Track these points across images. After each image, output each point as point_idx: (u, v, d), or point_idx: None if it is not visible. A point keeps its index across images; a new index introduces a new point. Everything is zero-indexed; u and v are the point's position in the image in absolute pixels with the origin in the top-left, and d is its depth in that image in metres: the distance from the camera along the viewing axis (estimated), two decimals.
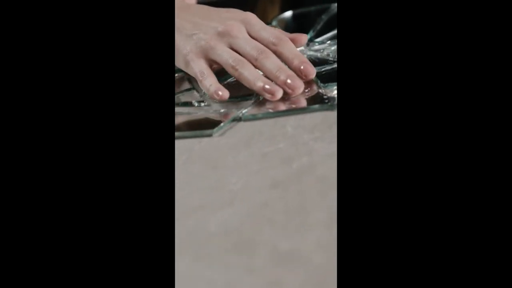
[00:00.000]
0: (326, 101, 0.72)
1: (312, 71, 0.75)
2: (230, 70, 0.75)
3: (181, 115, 0.73)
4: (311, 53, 0.84)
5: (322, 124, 0.68)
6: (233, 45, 0.76)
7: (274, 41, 0.76)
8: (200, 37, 0.75)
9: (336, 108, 0.70)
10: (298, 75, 0.74)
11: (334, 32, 0.89)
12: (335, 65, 0.80)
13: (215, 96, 0.74)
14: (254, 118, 0.71)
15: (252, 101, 0.74)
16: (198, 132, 0.70)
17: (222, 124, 0.70)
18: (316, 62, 0.81)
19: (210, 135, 0.69)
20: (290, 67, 0.75)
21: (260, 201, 0.57)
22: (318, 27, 0.91)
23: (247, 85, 0.74)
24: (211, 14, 0.78)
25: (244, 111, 0.72)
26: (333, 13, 0.95)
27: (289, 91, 0.73)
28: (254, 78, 0.73)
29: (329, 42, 0.86)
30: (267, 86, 0.73)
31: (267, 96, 0.73)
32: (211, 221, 0.56)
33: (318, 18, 0.93)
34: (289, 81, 0.73)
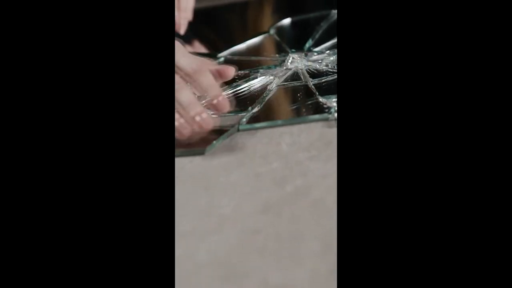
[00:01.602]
0: (326, 110, 0.69)
1: (226, 106, 0.69)
2: None
3: None
4: (310, 63, 0.81)
5: (319, 142, 0.65)
6: None
7: (189, 71, 0.71)
8: None
9: (335, 121, 0.68)
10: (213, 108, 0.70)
11: (334, 41, 0.86)
12: (335, 76, 0.77)
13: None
14: (251, 128, 0.69)
15: (248, 114, 0.71)
16: (190, 151, 0.67)
17: (214, 142, 0.67)
18: (315, 73, 0.79)
19: (202, 154, 0.66)
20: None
21: (251, 227, 0.54)
22: (317, 35, 0.88)
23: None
24: None
25: (243, 120, 0.70)
26: (332, 20, 0.92)
27: (196, 128, 0.67)
28: (187, 104, 0.68)
29: (328, 52, 0.83)
30: (203, 115, 0.67)
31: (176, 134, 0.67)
32: (199, 249, 0.53)
33: (317, 25, 0.90)
34: (197, 118, 0.67)
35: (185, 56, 0.72)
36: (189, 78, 0.71)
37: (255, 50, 0.90)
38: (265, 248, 0.52)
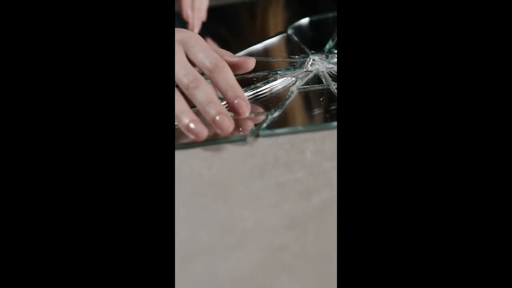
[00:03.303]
0: None
1: (245, 109, 0.67)
2: None
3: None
4: (331, 66, 0.77)
5: None
6: None
7: (209, 67, 0.68)
8: None
9: None
10: (233, 110, 0.67)
11: None
12: None
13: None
14: (272, 133, 0.65)
15: (268, 119, 0.68)
16: (236, 137, 0.65)
17: (255, 127, 0.65)
18: (335, 76, 0.75)
19: (244, 139, 0.64)
20: (224, 99, 0.68)
21: (275, 243, 0.51)
22: (337, 36, 0.84)
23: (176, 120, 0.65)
24: None
25: (263, 125, 0.67)
26: None
27: (217, 130, 0.65)
28: (180, 113, 0.64)
29: None
30: (191, 126, 0.63)
31: (191, 136, 0.64)
32: (218, 266, 0.49)
33: (336, 26, 0.86)
34: (217, 118, 0.64)
35: (203, 50, 0.69)
36: (208, 73, 0.68)
37: (272, 51, 0.86)
38: (291, 266, 0.48)
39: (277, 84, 0.75)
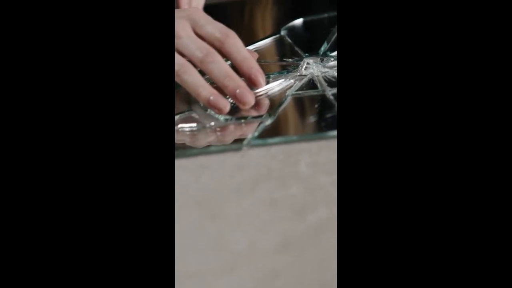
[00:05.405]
0: None
1: (261, 81, 0.66)
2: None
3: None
4: (326, 70, 0.73)
5: None
6: (177, 46, 0.66)
7: (220, 37, 0.66)
8: None
9: None
10: (249, 82, 0.66)
11: None
12: None
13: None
14: (264, 143, 0.61)
15: (260, 127, 0.63)
16: (226, 147, 0.61)
17: (250, 136, 0.62)
18: (332, 81, 0.71)
19: (239, 149, 0.61)
20: (238, 71, 0.66)
21: (267, 268, 0.46)
22: (333, 38, 0.80)
23: (192, 94, 0.65)
24: None
25: (255, 133, 0.63)
26: None
27: (238, 103, 0.64)
28: (197, 87, 0.64)
29: None
30: (212, 98, 0.63)
31: (214, 110, 0.64)
32: None
33: (332, 27, 0.82)
34: (238, 91, 0.64)
35: (210, 23, 0.67)
36: (220, 44, 0.66)
37: (265, 53, 0.82)
38: None
39: (275, 86, 0.71)
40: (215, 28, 0.67)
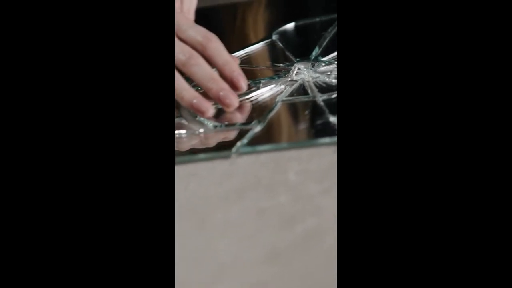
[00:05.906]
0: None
1: (242, 84, 0.66)
2: None
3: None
4: (317, 75, 0.72)
5: (333, 170, 0.56)
6: None
7: (202, 41, 0.66)
8: None
9: None
10: (231, 85, 0.66)
11: None
12: None
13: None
14: (253, 150, 0.60)
15: (249, 134, 0.63)
16: (215, 154, 0.61)
17: (239, 143, 0.61)
18: (323, 87, 0.70)
19: (228, 157, 0.60)
20: (220, 74, 0.66)
21: (255, 278, 0.46)
22: (324, 43, 0.79)
23: (176, 98, 0.64)
24: None
25: (244, 141, 0.62)
26: None
27: (222, 106, 0.65)
28: (181, 90, 0.64)
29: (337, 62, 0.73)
30: (195, 101, 0.64)
31: (197, 113, 0.64)
32: None
33: (324, 32, 0.81)
34: (221, 93, 0.64)
35: (192, 27, 0.67)
36: (202, 48, 0.66)
37: (256, 58, 0.81)
38: None
39: (266, 91, 0.70)
40: (197, 32, 0.66)
